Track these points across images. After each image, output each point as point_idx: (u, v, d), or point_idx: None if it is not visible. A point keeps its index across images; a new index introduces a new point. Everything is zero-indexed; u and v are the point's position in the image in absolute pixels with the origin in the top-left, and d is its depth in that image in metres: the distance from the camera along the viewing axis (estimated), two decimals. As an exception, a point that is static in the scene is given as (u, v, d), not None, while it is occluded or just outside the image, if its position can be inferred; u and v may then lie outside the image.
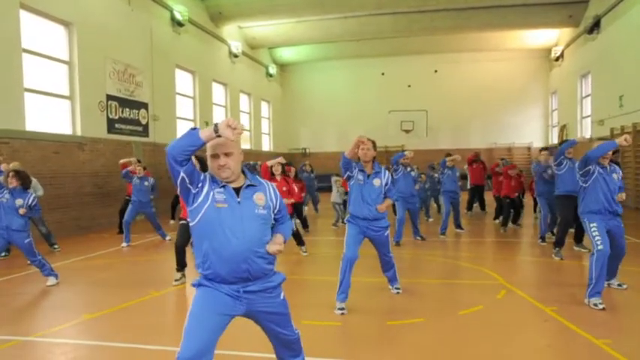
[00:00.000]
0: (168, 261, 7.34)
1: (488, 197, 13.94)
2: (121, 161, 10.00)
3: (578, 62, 20.13)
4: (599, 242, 4.95)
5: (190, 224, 2.63)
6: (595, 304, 4.80)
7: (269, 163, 7.98)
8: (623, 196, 5.28)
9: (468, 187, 13.83)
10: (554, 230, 8.54)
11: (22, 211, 6.13)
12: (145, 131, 14.34)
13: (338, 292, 4.90)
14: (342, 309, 4.84)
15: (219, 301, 2.56)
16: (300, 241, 8.10)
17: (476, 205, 14.15)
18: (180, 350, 2.43)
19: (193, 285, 2.67)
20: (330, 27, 20.71)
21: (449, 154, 10.57)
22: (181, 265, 6.30)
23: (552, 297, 5.30)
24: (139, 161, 10.16)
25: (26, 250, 6.19)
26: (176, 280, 6.22)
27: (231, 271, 2.53)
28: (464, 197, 11.79)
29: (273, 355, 2.94)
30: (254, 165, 12.63)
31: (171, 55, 15.87)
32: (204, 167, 3.68)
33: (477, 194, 13.69)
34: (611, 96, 16.14)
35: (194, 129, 2.45)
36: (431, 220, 12.62)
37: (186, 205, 2.65)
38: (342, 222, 11.02)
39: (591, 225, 5.08)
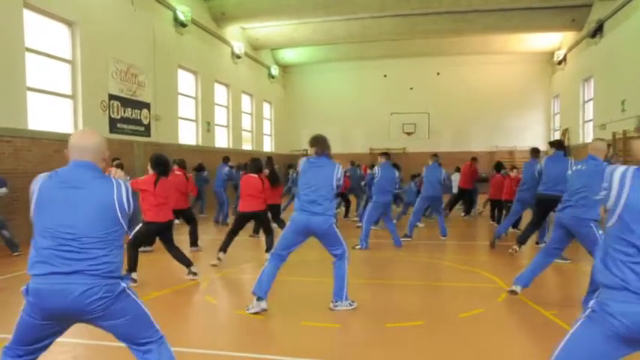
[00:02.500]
0: (167, 261, 7.34)
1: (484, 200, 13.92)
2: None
3: (581, 66, 20.11)
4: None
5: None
6: (595, 309, 4.79)
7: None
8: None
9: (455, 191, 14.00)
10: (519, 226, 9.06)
11: None
12: (147, 131, 14.36)
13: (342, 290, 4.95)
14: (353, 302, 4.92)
15: None
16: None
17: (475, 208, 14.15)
18: None
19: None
20: (333, 29, 20.72)
21: (435, 155, 10.60)
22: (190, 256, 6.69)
23: (552, 301, 5.30)
24: (119, 165, 9.74)
25: None
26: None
27: None
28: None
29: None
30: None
31: (174, 56, 15.90)
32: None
33: (465, 197, 13.83)
34: (614, 100, 16.11)
35: None
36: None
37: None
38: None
39: (599, 232, 5.08)
